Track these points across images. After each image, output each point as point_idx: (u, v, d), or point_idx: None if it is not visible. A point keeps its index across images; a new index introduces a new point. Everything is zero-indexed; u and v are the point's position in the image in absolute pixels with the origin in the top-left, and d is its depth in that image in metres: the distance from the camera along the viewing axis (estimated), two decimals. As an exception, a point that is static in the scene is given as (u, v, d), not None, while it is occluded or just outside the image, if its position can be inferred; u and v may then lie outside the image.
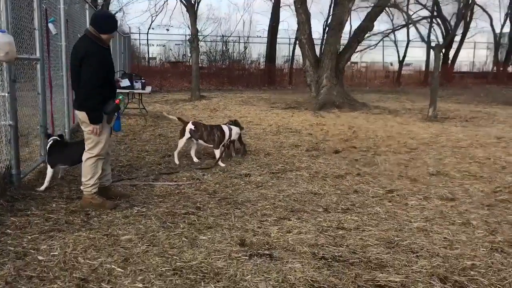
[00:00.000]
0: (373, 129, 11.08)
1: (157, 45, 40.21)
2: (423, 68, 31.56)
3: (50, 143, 5.53)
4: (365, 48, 28.43)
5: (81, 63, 4.42)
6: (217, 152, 6.99)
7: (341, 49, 15.63)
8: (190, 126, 7.14)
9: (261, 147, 8.46)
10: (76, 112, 4.66)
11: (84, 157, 4.70)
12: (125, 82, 4.82)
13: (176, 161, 7.00)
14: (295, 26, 23.98)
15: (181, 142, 7.10)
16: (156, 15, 32.72)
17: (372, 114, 14.01)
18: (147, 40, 32.86)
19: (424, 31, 29.66)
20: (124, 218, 4.41)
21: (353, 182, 6.01)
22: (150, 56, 40.17)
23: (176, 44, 35.97)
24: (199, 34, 18.74)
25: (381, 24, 45.64)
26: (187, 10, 17.67)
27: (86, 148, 4.68)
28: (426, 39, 29.42)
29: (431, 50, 17.05)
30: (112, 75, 4.79)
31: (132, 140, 9.02)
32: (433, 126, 11.80)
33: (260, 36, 34.17)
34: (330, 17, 20.58)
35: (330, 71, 14.88)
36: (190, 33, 18.34)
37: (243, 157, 7.44)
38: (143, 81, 11.35)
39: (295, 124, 11.71)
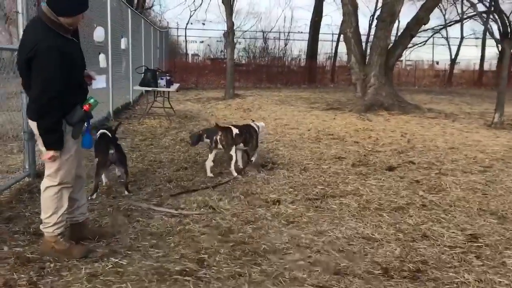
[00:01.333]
0: (430, 137, 9.40)
1: (200, 42, 39.33)
2: (476, 67, 29.13)
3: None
4: (413, 46, 26.34)
5: (29, 64, 3.10)
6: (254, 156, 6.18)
7: (391, 45, 13.90)
8: (235, 131, 6.07)
9: (296, 159, 6.99)
10: (29, 122, 3.35)
11: (42, 185, 3.37)
12: (99, 81, 3.41)
13: (209, 173, 5.98)
14: (339, 21, 22.33)
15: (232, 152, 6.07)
16: (195, 10, 31.70)
17: (426, 118, 12.27)
18: (185, 36, 31.86)
19: (479, 27, 27.31)
20: (90, 280, 3.05)
21: (418, 219, 4.46)
22: (193, 52, 39.40)
23: (217, 41, 34.93)
24: (238, 29, 17.50)
25: (431, 20, 43.00)
26: (222, 2, 16.36)
27: (46, 172, 3.35)
28: (482, 36, 27.13)
29: (499, 45, 15.03)
30: (81, 75, 3.42)
31: (148, 147, 7.75)
32: (502, 135, 9.99)
33: (301, 32, 32.61)
34: (379, 9, 18.76)
35: (379, 69, 13.21)
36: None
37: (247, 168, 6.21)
38: (168, 78, 10.09)
39: (338, 129, 10.17)
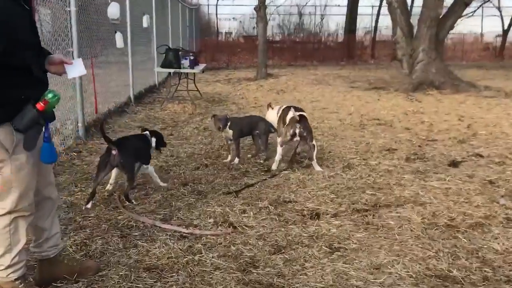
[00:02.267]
0: (493, 121, 8.07)
1: (233, 19, 38.23)
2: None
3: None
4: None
5: None
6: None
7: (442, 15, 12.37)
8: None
9: (337, 152, 5.90)
10: None
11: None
12: (75, 67, 2.41)
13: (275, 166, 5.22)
14: (381, -9, 20.71)
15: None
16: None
17: (484, 97, 10.83)
18: (216, 13, 30.70)
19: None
20: None
21: (507, 242, 3.32)
22: (226, 30, 38.37)
23: (250, 18, 33.59)
24: (271, 3, 16.31)
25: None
26: (253, -27, 15.12)
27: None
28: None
29: None
30: (31, 57, 2.38)
31: (167, 137, 6.78)
32: None
33: (338, 5, 30.83)
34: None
35: (429, 43, 11.78)
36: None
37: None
38: (192, 58, 9.08)
39: (384, 112, 8.95)
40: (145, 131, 4.82)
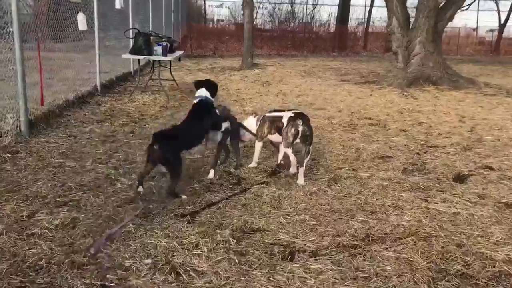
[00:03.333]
0: (497, 123, 7.24)
1: (221, 6, 37.15)
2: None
3: None
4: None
5: None
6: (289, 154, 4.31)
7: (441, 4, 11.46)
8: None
9: (322, 160, 5.00)
10: None
11: None
12: None
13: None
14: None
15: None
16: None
17: (484, 95, 10.00)
18: (204, -2, 29.49)
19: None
20: None
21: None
22: (218, 17, 37.28)
23: (242, 4, 32.40)
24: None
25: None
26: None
27: None
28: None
29: None
30: None
31: (126, 135, 5.86)
32: None
33: (331, -6, 29.78)
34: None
35: (426, 34, 10.88)
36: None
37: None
38: (164, 44, 8.07)
39: (377, 110, 8.07)
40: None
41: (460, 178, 4.49)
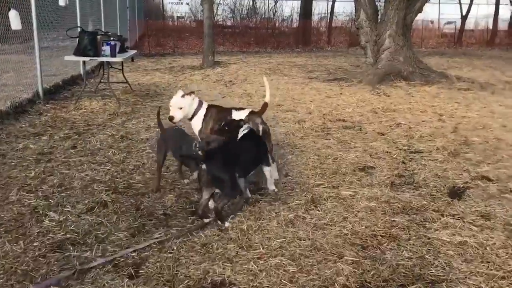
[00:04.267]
0: (478, 121, 6.74)
1: (186, 3, 36.12)
2: (489, 26, 26.12)
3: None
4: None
5: None
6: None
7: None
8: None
9: (297, 175, 4.29)
10: None
11: None
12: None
13: None
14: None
15: None
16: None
17: (457, 90, 9.53)
18: (163, -6, 28.39)
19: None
20: None
21: None
22: (179, 15, 36.23)
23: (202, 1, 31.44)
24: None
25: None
26: None
27: None
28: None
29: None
30: None
31: (65, 152, 4.99)
32: None
33: (293, -11, 29.19)
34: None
35: (396, 27, 10.34)
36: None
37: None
38: (112, 43, 7.18)
39: (349, 110, 7.44)
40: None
41: (456, 193, 3.87)
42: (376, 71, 10.34)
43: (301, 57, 17.92)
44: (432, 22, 30.03)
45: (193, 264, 2.70)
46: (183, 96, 4.04)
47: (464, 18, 25.15)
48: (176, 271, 2.63)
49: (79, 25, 9.86)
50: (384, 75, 10.20)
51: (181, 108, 4.00)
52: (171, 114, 4.03)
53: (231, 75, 11.81)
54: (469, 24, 28.21)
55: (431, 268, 2.68)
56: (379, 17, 10.87)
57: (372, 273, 2.62)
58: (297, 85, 10.16)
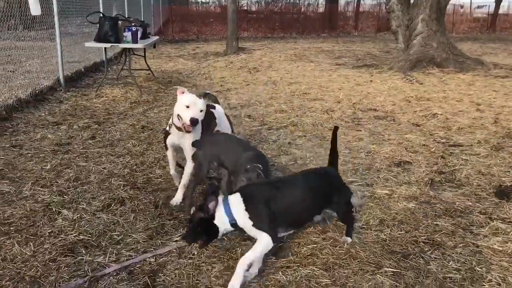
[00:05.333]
0: (522, 111, 6.27)
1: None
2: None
3: None
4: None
5: None
6: None
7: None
8: None
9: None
10: None
11: None
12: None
13: None
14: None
15: None
16: None
17: (494, 77, 9.03)
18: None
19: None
20: None
21: None
22: (203, 0, 36.05)
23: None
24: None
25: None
26: None
27: None
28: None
29: None
30: None
31: (84, 143, 4.79)
32: None
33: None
34: None
35: (429, 11, 9.83)
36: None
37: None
38: (134, 29, 6.94)
39: (381, 99, 7.06)
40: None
41: (504, 193, 3.51)
42: (407, 57, 9.87)
43: (327, 42, 17.44)
44: (462, 6, 29.01)
45: (215, 272, 2.44)
46: (200, 96, 3.21)
47: (498, 1, 24.11)
48: (197, 280, 2.37)
49: (101, 10, 9.67)
50: (416, 62, 9.73)
51: (201, 111, 3.18)
52: (194, 115, 3.10)
53: (256, 61, 11.49)
54: (503, 8, 27.12)
55: (484, 284, 2.36)
56: (411, 0, 10.35)
57: (416, 288, 2.32)
58: (324, 72, 9.78)
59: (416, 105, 6.71)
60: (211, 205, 2.32)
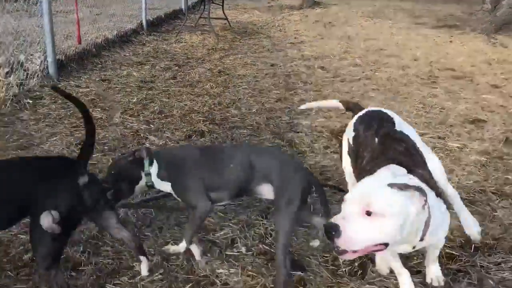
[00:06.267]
0: None
1: None
2: None
3: None
4: None
5: None
6: None
7: None
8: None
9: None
10: None
11: None
12: None
13: None
14: None
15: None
16: None
17: None
18: None
19: None
20: None
21: None
22: None
23: None
24: None
25: None
26: None
27: None
28: None
29: None
30: None
31: (166, 82, 5.11)
32: None
33: None
34: None
35: (523, -31, 9.18)
36: None
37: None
38: (215, -24, 7.11)
39: (460, 60, 6.83)
40: None
41: None
42: (494, 19, 9.34)
43: (407, 1, 16.70)
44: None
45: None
46: None
47: None
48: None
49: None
50: (502, 24, 9.20)
51: None
52: None
53: (331, 16, 11.33)
54: None
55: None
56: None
57: (480, 229, 2.40)
58: (402, 30, 9.50)
59: (497, 67, 6.44)
60: None
